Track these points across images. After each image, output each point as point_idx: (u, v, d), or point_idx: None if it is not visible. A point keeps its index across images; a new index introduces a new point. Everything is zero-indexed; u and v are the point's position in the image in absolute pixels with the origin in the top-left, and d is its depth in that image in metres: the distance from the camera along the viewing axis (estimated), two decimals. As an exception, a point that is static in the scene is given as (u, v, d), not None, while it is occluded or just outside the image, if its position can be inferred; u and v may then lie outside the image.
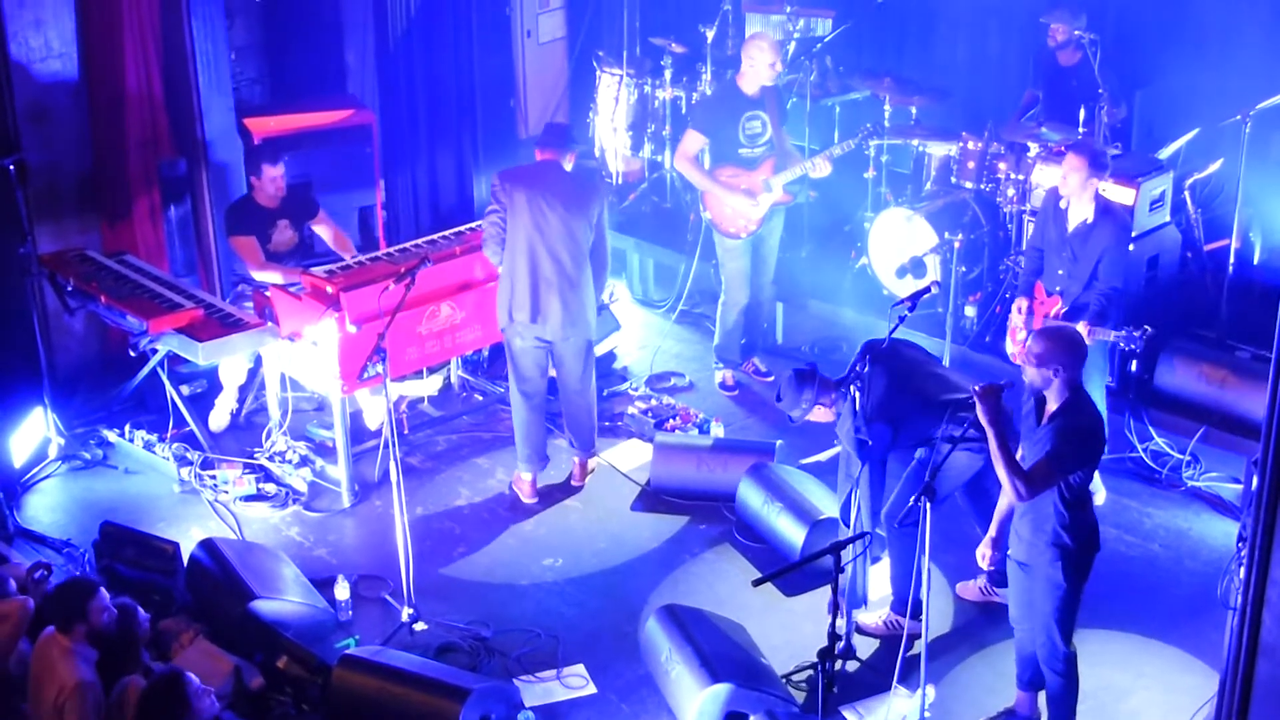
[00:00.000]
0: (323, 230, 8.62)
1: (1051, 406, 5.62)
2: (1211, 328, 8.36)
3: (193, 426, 8.19)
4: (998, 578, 6.61)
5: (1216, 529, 7.48)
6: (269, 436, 8.20)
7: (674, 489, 7.87)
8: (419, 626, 6.85)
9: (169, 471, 8.03)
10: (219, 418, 8.51)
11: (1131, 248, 8.04)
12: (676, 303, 9.71)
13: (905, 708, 6.20)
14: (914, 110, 9.49)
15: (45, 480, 8.12)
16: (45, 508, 7.90)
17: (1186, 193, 8.64)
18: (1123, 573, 7.11)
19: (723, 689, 5.93)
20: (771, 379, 8.99)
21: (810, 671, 6.41)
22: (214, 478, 7.94)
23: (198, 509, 7.82)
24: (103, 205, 8.75)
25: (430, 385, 8.78)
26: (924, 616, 5.89)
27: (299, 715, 6.22)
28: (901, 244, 8.80)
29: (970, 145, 8.90)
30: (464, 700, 5.88)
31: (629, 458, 8.27)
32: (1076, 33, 9.05)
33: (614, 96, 10.50)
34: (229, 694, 6.01)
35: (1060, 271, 7.40)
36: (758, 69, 8.32)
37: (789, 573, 6.47)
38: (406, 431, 8.40)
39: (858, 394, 6.33)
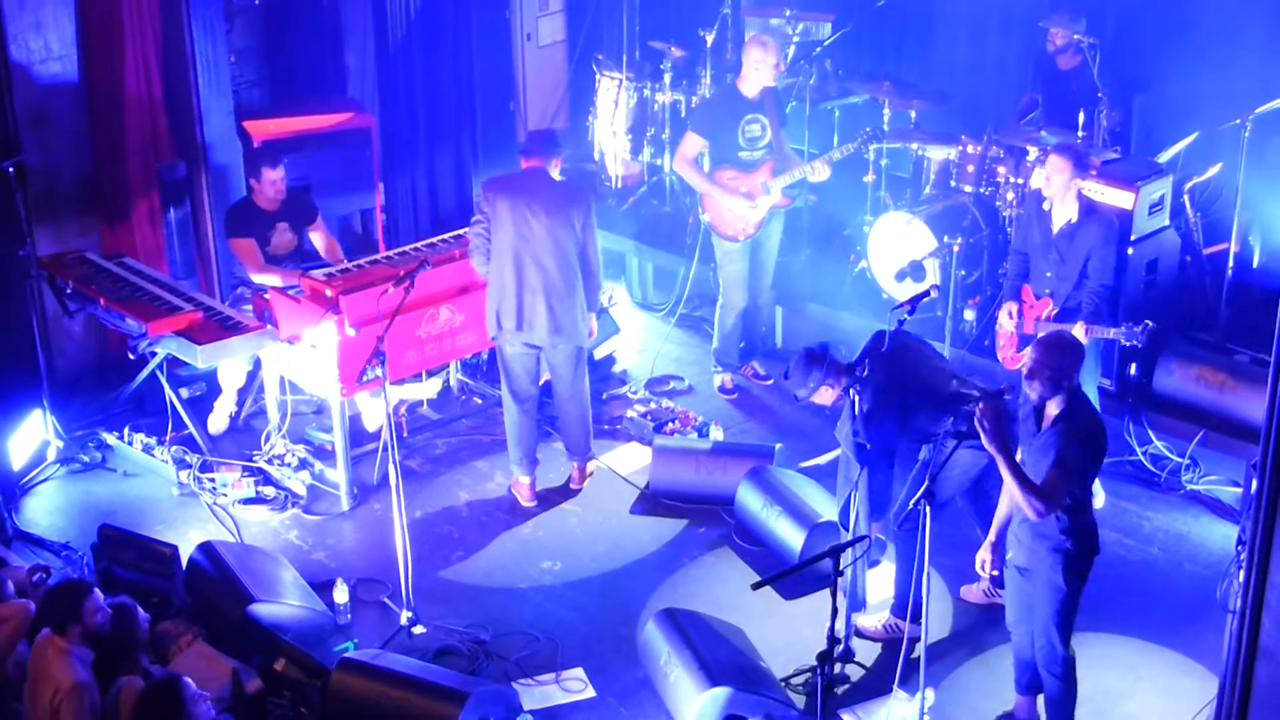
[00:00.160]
0: (316, 238, 8.63)
1: (1051, 412, 5.61)
2: (1210, 331, 8.36)
3: (192, 429, 8.19)
4: (1002, 581, 6.61)
5: (1216, 532, 7.48)
6: (268, 439, 8.19)
7: (673, 492, 7.86)
8: (418, 630, 6.84)
9: (168, 474, 8.03)
10: (218, 420, 8.51)
11: (1131, 251, 8.07)
12: (676, 306, 9.71)
13: (904, 711, 6.20)
14: (913, 114, 9.50)
15: (44, 483, 8.12)
16: (44, 510, 7.90)
17: (1186, 196, 8.63)
18: (1122, 576, 7.11)
19: (721, 692, 5.93)
20: (770, 382, 8.99)
21: (809, 675, 6.40)
22: (213, 480, 7.94)
23: (196, 512, 7.82)
24: (102, 208, 8.76)
25: (429, 388, 8.78)
26: (923, 620, 5.88)
27: (297, 719, 6.21)
28: (901, 248, 8.80)
29: (969, 149, 8.90)
30: (463, 704, 5.88)
31: (628, 461, 8.27)
32: (1076, 37, 9.06)
33: (613, 100, 10.51)
34: (227, 697, 6.01)
35: (1048, 274, 7.43)
36: (761, 70, 8.32)
37: (788, 576, 6.46)
38: (405, 435, 8.40)
39: (857, 397, 6.33)
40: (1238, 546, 5.43)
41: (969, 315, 8.72)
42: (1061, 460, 5.48)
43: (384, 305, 7.25)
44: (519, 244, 7.37)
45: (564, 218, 7.38)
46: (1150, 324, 6.97)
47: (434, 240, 8.33)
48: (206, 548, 6.91)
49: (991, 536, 6.11)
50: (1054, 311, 7.38)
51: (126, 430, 8.31)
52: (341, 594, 6.94)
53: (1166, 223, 8.44)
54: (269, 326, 7.80)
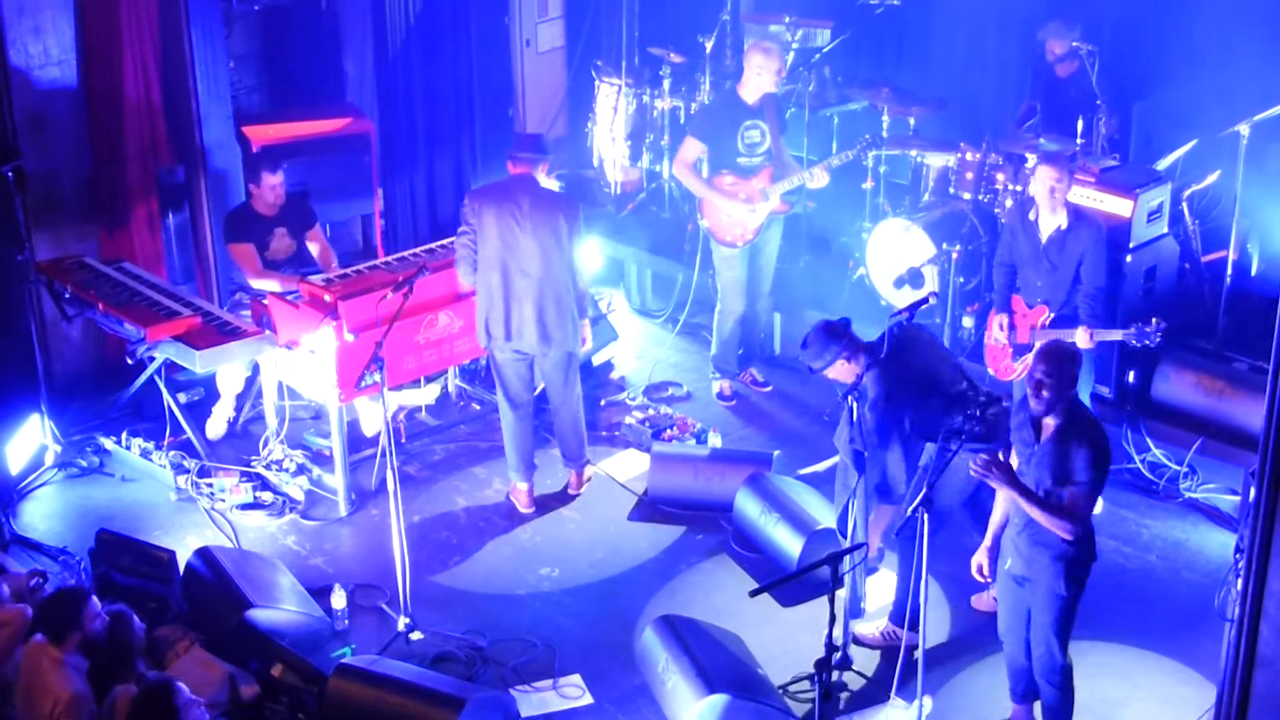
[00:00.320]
0: (312, 245, 8.63)
1: (1050, 422, 5.61)
2: (1209, 339, 8.36)
3: (190, 434, 8.19)
4: None
5: (1214, 540, 7.48)
6: (266, 445, 8.19)
7: (671, 499, 7.86)
8: (415, 636, 6.83)
9: (166, 479, 8.02)
10: (216, 426, 8.50)
11: (1129, 258, 8.07)
12: (677, 313, 9.69)
13: (902, 718, 6.19)
14: (912, 121, 9.50)
15: (42, 488, 8.11)
16: (41, 515, 7.89)
17: (1184, 204, 8.64)
18: (1120, 584, 7.11)
19: (719, 700, 5.92)
20: (769, 389, 8.99)
21: (807, 682, 6.39)
22: (211, 486, 7.93)
23: (194, 517, 7.82)
24: (101, 212, 8.76)
25: (427, 394, 8.77)
26: (921, 627, 5.88)
27: (294, 724, 6.22)
28: (899, 254, 8.80)
29: (968, 156, 8.90)
30: (460, 710, 5.87)
31: (626, 467, 8.26)
32: (1074, 44, 9.07)
33: (612, 106, 10.50)
34: (223, 702, 6.00)
35: (1039, 283, 7.45)
36: (762, 76, 8.32)
37: (786, 583, 6.46)
38: (404, 440, 8.39)
39: (855, 404, 6.33)
40: (1236, 555, 5.43)
41: (967, 322, 8.72)
42: (1084, 481, 5.52)
43: (382, 311, 7.25)
44: (505, 254, 7.36)
45: (551, 226, 7.36)
46: (1162, 322, 6.98)
47: (433, 246, 8.34)
48: (204, 553, 6.91)
49: (987, 541, 6.11)
50: (1050, 318, 7.39)
51: (124, 435, 8.31)
52: (339, 599, 6.93)
53: (1165, 230, 8.44)
54: (267, 332, 7.80)
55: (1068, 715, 5.94)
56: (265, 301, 7.91)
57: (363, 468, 8.05)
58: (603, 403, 8.86)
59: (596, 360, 9.09)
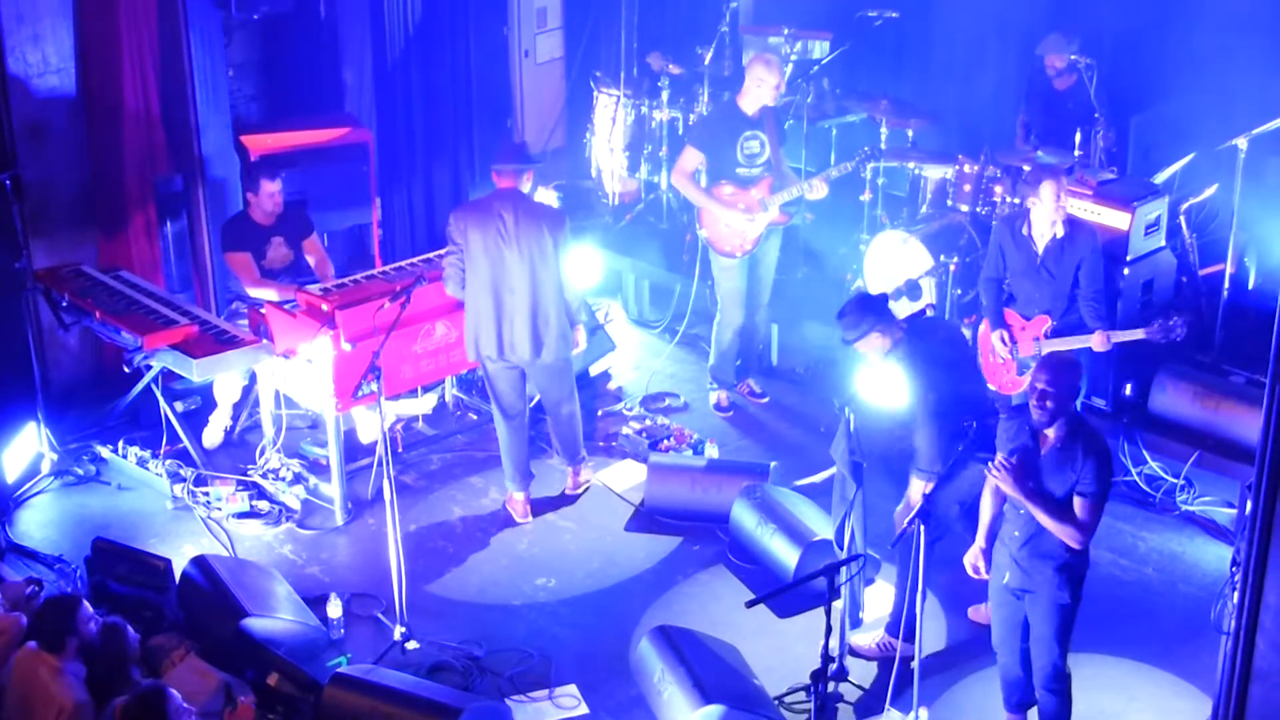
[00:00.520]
0: (309, 255, 8.63)
1: (1052, 432, 5.61)
2: (1206, 352, 8.36)
3: (186, 443, 8.18)
4: None
5: (1210, 553, 7.48)
6: (263, 453, 8.18)
7: (668, 510, 7.85)
8: (411, 645, 6.83)
9: (162, 488, 8.01)
10: (213, 434, 8.50)
11: (1127, 271, 8.07)
12: (675, 324, 9.68)
13: (898, 730, 6.19)
14: (910, 133, 9.50)
15: (38, 496, 8.10)
16: (37, 523, 7.88)
17: (1182, 217, 8.63)
18: (1116, 597, 7.10)
19: (715, 711, 5.91)
20: (766, 400, 8.99)
21: (803, 693, 6.39)
22: (207, 494, 7.92)
23: (190, 526, 7.81)
24: (98, 221, 8.76)
25: (424, 404, 8.78)
26: (918, 639, 5.88)
27: (290, 733, 6.21)
28: (897, 266, 8.80)
29: (966, 168, 8.90)
30: (456, 720, 5.87)
31: (623, 478, 8.26)
32: (1072, 58, 9.08)
33: (611, 117, 10.52)
34: (218, 711, 5.99)
35: (1038, 294, 7.47)
36: (763, 88, 8.33)
37: (782, 594, 6.46)
38: (400, 450, 8.39)
39: (852, 415, 6.33)
40: (1232, 568, 5.44)
41: (964, 334, 8.71)
42: (1093, 491, 5.55)
43: (380, 320, 7.25)
44: (494, 273, 7.35)
45: (537, 241, 7.33)
46: (1185, 316, 7.00)
47: (430, 256, 8.33)
48: (200, 562, 6.90)
49: (981, 542, 6.13)
50: (1052, 327, 7.40)
51: (121, 443, 8.30)
52: (335, 609, 6.92)
53: (1163, 243, 8.44)
54: (264, 341, 7.79)
55: (1066, 725, 5.95)
56: (263, 310, 7.91)
57: (359, 477, 8.05)
58: (600, 413, 8.86)
59: (594, 370, 9.10)
